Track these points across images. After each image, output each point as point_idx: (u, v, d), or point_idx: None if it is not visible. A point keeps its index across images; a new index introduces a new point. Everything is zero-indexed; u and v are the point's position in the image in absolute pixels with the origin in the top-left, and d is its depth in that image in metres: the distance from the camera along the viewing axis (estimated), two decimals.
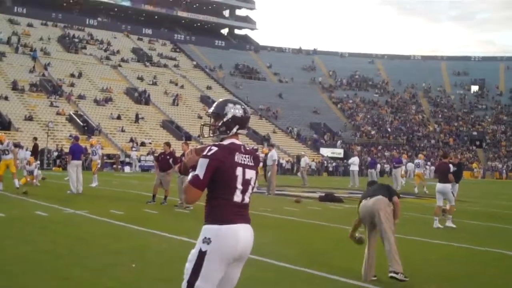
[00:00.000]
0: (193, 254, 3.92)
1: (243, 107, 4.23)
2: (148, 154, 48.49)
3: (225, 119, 4.12)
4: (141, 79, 69.31)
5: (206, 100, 68.70)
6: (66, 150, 38.33)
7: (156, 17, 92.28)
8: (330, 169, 58.86)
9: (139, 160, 47.36)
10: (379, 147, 71.54)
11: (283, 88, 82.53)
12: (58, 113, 53.28)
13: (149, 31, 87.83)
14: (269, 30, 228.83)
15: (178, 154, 17.69)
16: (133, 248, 9.28)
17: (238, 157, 4.00)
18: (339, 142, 68.23)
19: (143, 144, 52.14)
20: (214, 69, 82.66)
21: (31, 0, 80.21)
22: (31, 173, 23.07)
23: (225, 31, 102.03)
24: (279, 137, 64.73)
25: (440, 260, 9.47)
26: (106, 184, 23.76)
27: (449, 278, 8.08)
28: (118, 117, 56.47)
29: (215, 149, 3.95)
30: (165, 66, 77.33)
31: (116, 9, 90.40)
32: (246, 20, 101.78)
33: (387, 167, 57.18)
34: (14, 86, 56.17)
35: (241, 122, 4.16)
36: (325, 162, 59.75)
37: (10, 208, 13.98)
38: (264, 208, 15.91)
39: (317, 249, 9.96)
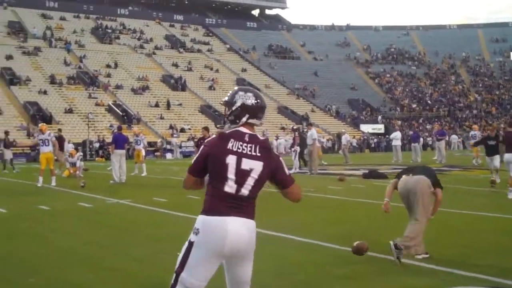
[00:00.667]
0: (185, 244, 3.76)
1: (255, 95, 3.98)
2: (188, 139, 48.65)
3: (233, 108, 3.90)
4: (176, 65, 69.45)
5: (242, 83, 68.42)
6: (108, 140, 38.76)
7: (186, 2, 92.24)
8: (372, 145, 58.26)
9: (180, 147, 47.52)
10: (420, 121, 70.45)
11: (318, 66, 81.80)
12: (97, 104, 53.78)
13: (181, 17, 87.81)
14: (300, 8, 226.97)
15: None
16: (177, 235, 9.10)
17: (232, 145, 3.76)
18: (379, 117, 67.38)
19: (182, 130, 52.31)
20: (248, 51, 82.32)
21: None
22: (73, 165, 23.26)
23: (256, 12, 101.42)
24: (318, 116, 64.23)
25: (496, 232, 9.16)
26: (148, 172, 23.78)
27: (505, 251, 7.76)
28: (156, 105, 56.74)
29: (213, 136, 3.90)
30: (199, 51, 77.31)
31: None
32: None
33: (429, 140, 56.26)
34: (52, 80, 56.81)
35: (252, 111, 3.91)
36: (366, 138, 59.15)
37: (54, 201, 14.04)
38: (307, 188, 15.68)
39: (363, 228, 9.72)
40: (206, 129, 17.40)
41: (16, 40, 65.42)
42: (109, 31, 76.36)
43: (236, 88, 4.05)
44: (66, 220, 11.14)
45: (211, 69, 71.41)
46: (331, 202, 13.71)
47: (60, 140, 26.37)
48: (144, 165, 23.84)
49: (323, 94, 72.78)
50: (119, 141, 20.09)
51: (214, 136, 3.86)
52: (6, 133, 29.51)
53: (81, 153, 28.28)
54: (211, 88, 65.23)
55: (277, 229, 9.28)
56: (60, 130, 27.55)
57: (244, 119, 3.89)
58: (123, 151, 20.15)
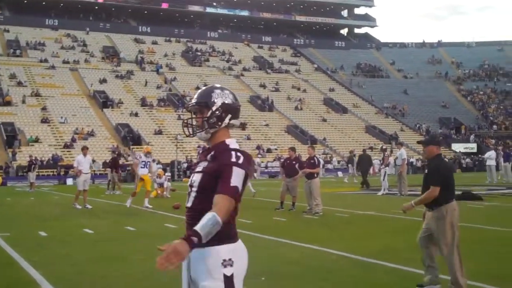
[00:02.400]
0: (211, 286, 3.20)
1: (231, 92, 3.58)
2: (274, 160, 48.52)
3: (214, 108, 3.45)
4: (263, 86, 69.77)
5: (329, 103, 68.11)
6: (195, 160, 39.10)
7: (274, 23, 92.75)
8: (464, 165, 56.28)
9: (266, 167, 47.46)
10: None
11: (408, 84, 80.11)
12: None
13: (269, 38, 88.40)
14: (389, 26, 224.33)
15: (303, 159, 17.24)
16: (263, 259, 8.88)
17: None
18: (471, 136, 65.11)
19: (269, 150, 52.29)
20: (336, 71, 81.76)
21: (154, 19, 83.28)
22: (161, 185, 23.48)
23: (344, 31, 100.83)
24: (408, 135, 62.75)
25: None
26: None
27: None
28: (243, 126, 57.01)
29: (241, 156, 3.34)
30: (287, 71, 77.46)
31: (235, 20, 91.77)
32: (366, 18, 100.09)
33: None
34: (143, 102, 58.25)
35: (233, 110, 3.51)
36: (458, 157, 57.22)
37: (140, 222, 14.09)
38: (397, 210, 15.08)
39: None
40: (292, 149, 17.13)
41: (110, 64, 67.63)
42: (199, 53, 77.77)
43: (208, 86, 3.61)
44: (151, 242, 11.06)
45: (299, 89, 71.30)
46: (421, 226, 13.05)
47: (114, 161, 26.87)
48: (250, 184, 22.42)
49: (413, 113, 71.11)
50: None
51: (241, 156, 3.33)
52: (118, 154, 29.86)
53: (169, 174, 28.62)
54: (297, 108, 65.04)
55: (363, 253, 8.85)
56: (114, 152, 28.01)
57: (226, 120, 3.48)
58: None
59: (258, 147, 52.14)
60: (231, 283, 3.23)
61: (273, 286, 7.01)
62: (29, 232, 12.46)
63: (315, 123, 61.91)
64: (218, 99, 3.46)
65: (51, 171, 41.72)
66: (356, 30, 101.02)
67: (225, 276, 3.22)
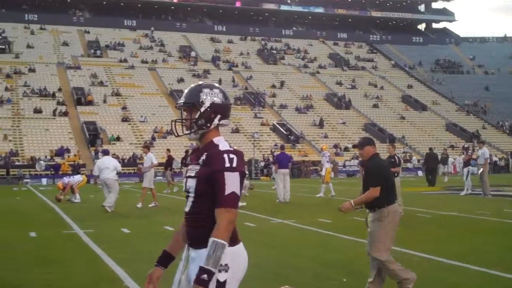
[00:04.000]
0: None
1: (221, 90, 3.40)
2: (352, 159, 48.06)
3: (202, 109, 3.30)
4: (339, 84, 69.22)
5: (407, 100, 66.88)
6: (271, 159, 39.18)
7: (350, 20, 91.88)
8: None
9: (344, 166, 47.08)
10: None
11: (489, 80, 77.63)
12: (262, 124, 54.82)
13: (344, 35, 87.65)
14: (469, 20, 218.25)
15: (382, 157, 16.89)
16: (343, 260, 8.77)
17: None
18: None
19: (346, 149, 51.83)
20: (414, 67, 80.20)
21: (230, 17, 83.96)
22: None
23: (422, 26, 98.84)
24: (490, 133, 60.93)
25: None
26: (313, 191, 23.51)
27: None
28: (320, 124, 56.75)
29: (234, 157, 3.20)
30: (363, 68, 76.59)
31: (310, 17, 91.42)
32: (444, 12, 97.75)
33: None
34: None
35: (222, 110, 3.35)
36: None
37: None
38: (482, 211, 14.64)
39: None
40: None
41: (187, 64, 68.64)
42: (274, 52, 77.89)
43: (195, 85, 3.44)
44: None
45: (375, 86, 70.35)
46: (509, 227, 12.59)
47: (169, 160, 27.05)
48: (327, 185, 22.01)
49: (495, 110, 68.89)
50: (283, 160, 20.06)
51: (232, 156, 3.20)
52: (186, 152, 30.19)
53: (247, 172, 28.61)
54: (375, 106, 64.19)
55: (451, 256, 8.58)
56: (168, 150, 28.23)
57: (216, 121, 3.33)
58: (287, 170, 20.07)
59: (335, 146, 51.77)
60: None
61: (354, 287, 6.87)
62: (112, 229, 12.73)
63: (393, 121, 60.96)
64: (207, 99, 3.33)
65: (132, 169, 42.68)
66: (434, 25, 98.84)
67: (218, 281, 3.12)
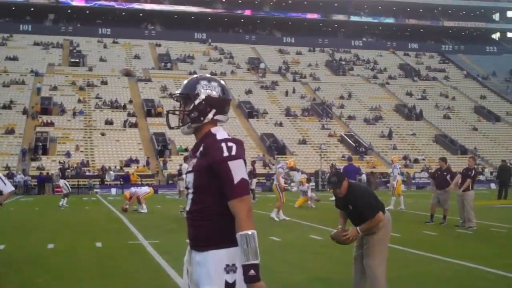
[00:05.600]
0: None
1: (220, 85, 3.19)
2: (422, 170, 47.02)
3: (196, 102, 3.13)
4: (410, 94, 68.04)
5: (480, 111, 65.08)
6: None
7: (421, 30, 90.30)
8: None
9: (413, 178, 46.09)
10: None
11: None
12: (330, 135, 54.39)
13: (415, 45, 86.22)
14: None
15: (455, 170, 16.33)
16: (413, 275, 8.39)
17: None
18: None
19: (416, 160, 50.80)
20: (487, 77, 77.99)
21: (299, 29, 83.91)
22: (304, 193, 23.29)
23: (496, 35, 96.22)
24: None
25: None
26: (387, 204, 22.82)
27: None
28: (389, 135, 55.83)
29: (233, 145, 3.01)
30: (434, 79, 75.06)
31: (380, 28, 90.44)
32: None
33: None
34: (288, 112, 58.70)
35: (219, 104, 3.17)
36: None
37: (285, 232, 13.93)
38: None
39: None
40: (443, 160, 16.27)
41: (255, 76, 68.88)
42: (343, 63, 77.32)
43: (194, 76, 3.25)
44: (296, 253, 10.86)
45: (447, 97, 68.79)
46: None
47: (249, 174, 26.94)
48: (399, 198, 21.29)
49: None
50: (350, 172, 19.66)
51: (230, 144, 3.01)
52: (253, 163, 30.21)
53: (313, 184, 28.37)
54: (446, 116, 62.69)
55: None
56: (254, 162, 28.26)
57: (210, 116, 3.14)
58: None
59: (405, 157, 50.79)
60: None
61: None
62: (177, 240, 12.66)
63: (465, 132, 59.41)
64: (202, 92, 3.16)
65: None
66: (509, 34, 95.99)
67: (226, 283, 2.93)
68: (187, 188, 3.18)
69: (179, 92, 3.23)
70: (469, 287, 7.53)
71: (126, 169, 44.54)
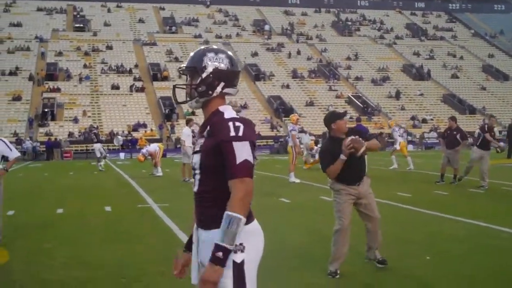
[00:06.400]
0: (226, 272, 2.78)
1: (228, 56, 3.03)
2: (430, 131, 46.81)
3: (204, 75, 2.97)
4: (417, 54, 67.46)
5: (488, 70, 64.52)
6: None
7: None
8: None
9: (423, 138, 45.91)
10: None
11: None
12: (337, 97, 54.12)
13: (422, 4, 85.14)
14: None
15: (465, 129, 16.16)
16: (426, 236, 8.28)
17: None
18: None
19: (424, 120, 50.55)
20: (495, 36, 77.11)
21: None
22: (313, 156, 23.26)
23: None
24: None
25: None
26: (388, 164, 22.84)
27: None
28: (397, 96, 55.50)
29: (240, 125, 2.85)
30: (442, 38, 74.29)
31: None
32: None
33: None
34: (294, 74, 58.34)
35: (227, 77, 3.00)
36: None
37: (295, 194, 13.88)
38: None
39: None
40: (453, 119, 16.08)
41: (261, 38, 68.31)
42: (349, 23, 76.51)
43: (200, 48, 3.07)
44: (305, 214, 10.79)
45: (455, 56, 68.16)
46: None
47: None
48: (409, 158, 21.39)
49: None
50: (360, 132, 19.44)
51: (238, 124, 2.86)
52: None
53: (321, 145, 28.21)
54: (454, 76, 62.18)
55: None
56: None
57: (219, 89, 2.99)
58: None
59: (413, 118, 50.57)
60: (241, 271, 2.82)
61: (439, 266, 6.41)
62: (187, 203, 12.58)
63: (473, 92, 58.98)
64: (210, 64, 2.99)
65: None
66: None
67: (234, 262, 2.80)
68: (193, 168, 3.04)
69: (185, 65, 3.06)
70: (482, 246, 7.43)
71: (133, 134, 44.53)
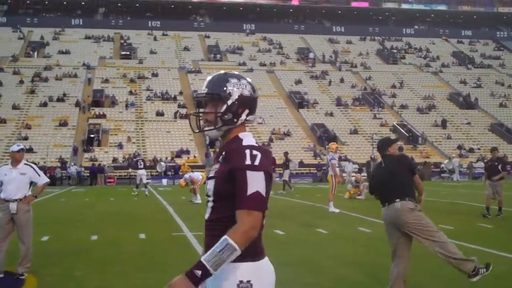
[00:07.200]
0: None
1: (249, 82, 2.89)
2: (477, 160, 45.85)
3: (229, 102, 2.79)
4: (464, 82, 66.44)
5: None
6: None
7: (475, 16, 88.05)
8: None
9: (468, 168, 44.96)
10: None
11: None
12: (381, 125, 53.56)
13: (469, 32, 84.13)
14: None
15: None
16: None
17: None
18: None
19: (471, 150, 49.57)
20: None
21: (348, 18, 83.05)
22: (356, 186, 22.92)
23: None
24: None
25: None
26: (434, 195, 22.31)
27: None
28: (443, 124, 54.65)
29: (258, 154, 2.68)
30: (489, 66, 73.09)
31: (432, 15, 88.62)
32: None
33: None
34: (338, 102, 58.05)
35: (251, 104, 2.87)
36: None
37: (333, 224, 13.59)
38: None
39: None
40: (494, 149, 15.66)
41: (305, 66, 68.35)
42: (394, 51, 76.04)
43: (220, 73, 2.88)
44: (344, 245, 10.50)
45: (503, 84, 66.90)
46: None
47: (283, 165, 26.84)
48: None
49: None
50: None
51: (255, 152, 2.68)
52: (286, 154, 29.84)
53: (365, 174, 27.90)
54: (502, 105, 60.96)
55: None
56: (286, 153, 28.41)
57: (243, 117, 2.85)
58: None
59: (459, 147, 49.66)
60: None
61: None
62: None
63: None
64: (235, 91, 2.82)
65: None
66: None
67: None
68: (207, 195, 2.88)
69: (205, 91, 2.86)
70: None
71: (176, 160, 44.75)
